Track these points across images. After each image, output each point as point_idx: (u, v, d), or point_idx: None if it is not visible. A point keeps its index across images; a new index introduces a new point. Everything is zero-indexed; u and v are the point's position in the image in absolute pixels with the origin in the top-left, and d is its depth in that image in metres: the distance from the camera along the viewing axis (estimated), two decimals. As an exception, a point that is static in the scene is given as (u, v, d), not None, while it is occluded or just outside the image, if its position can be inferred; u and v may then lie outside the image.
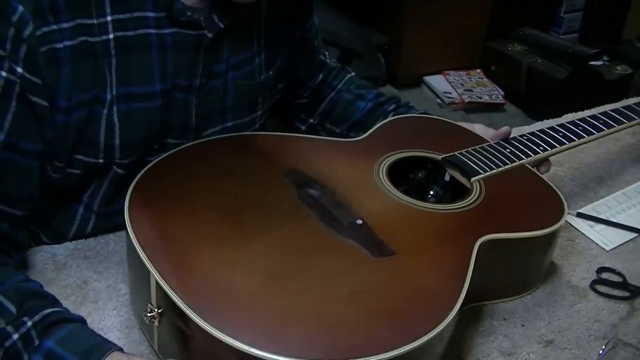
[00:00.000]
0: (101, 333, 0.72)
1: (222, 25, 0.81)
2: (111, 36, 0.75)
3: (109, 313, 0.75)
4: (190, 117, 0.85)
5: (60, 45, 0.72)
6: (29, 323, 0.64)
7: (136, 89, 0.78)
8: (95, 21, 0.74)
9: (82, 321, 0.68)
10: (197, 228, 0.70)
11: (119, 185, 0.84)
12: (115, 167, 0.82)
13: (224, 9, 0.81)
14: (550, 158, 0.93)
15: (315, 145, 0.90)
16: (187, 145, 0.85)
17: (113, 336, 0.72)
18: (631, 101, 1.06)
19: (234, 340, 0.57)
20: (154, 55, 0.78)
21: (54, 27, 0.71)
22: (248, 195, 0.77)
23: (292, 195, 0.77)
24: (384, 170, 0.83)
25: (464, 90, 2.99)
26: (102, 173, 0.83)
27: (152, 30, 0.77)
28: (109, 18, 0.74)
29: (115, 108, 0.78)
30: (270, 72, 0.93)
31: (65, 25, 0.72)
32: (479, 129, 0.97)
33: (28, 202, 0.78)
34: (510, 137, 0.93)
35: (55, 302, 0.69)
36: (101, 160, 0.81)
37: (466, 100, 2.91)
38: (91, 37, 0.74)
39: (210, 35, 0.81)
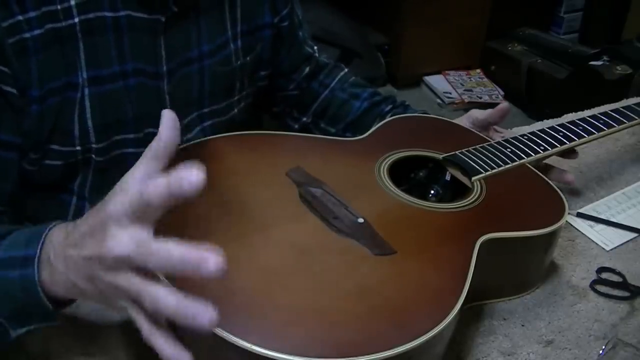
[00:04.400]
0: (101, 333, 0.72)
1: (175, 9, 0.81)
2: (76, 20, 0.75)
3: (109, 313, 0.75)
4: (164, 104, 0.85)
5: (28, 35, 0.72)
6: None
7: (103, 71, 0.79)
8: (59, 7, 0.74)
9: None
10: (198, 226, 0.70)
11: (106, 175, 0.85)
12: (94, 156, 0.82)
13: None
14: (551, 158, 0.94)
15: (316, 144, 0.90)
16: (188, 144, 0.86)
17: (113, 336, 0.72)
18: (631, 101, 1.06)
19: (236, 338, 0.57)
20: (110, 37, 0.79)
21: (20, 17, 0.71)
22: (249, 193, 0.77)
23: (293, 194, 0.77)
24: (385, 169, 0.83)
25: (464, 90, 2.99)
26: (83, 163, 0.83)
27: (108, 13, 0.78)
28: (72, 2, 0.75)
29: (87, 91, 0.78)
30: (248, 59, 0.93)
31: (32, 14, 0.72)
32: (474, 112, 0.98)
33: (10, 198, 0.78)
34: (511, 137, 0.93)
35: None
36: (78, 148, 0.81)
37: (466, 100, 2.92)
38: (57, 24, 0.74)
39: (163, 19, 0.81)
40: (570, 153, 0.95)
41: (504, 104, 0.94)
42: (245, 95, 0.96)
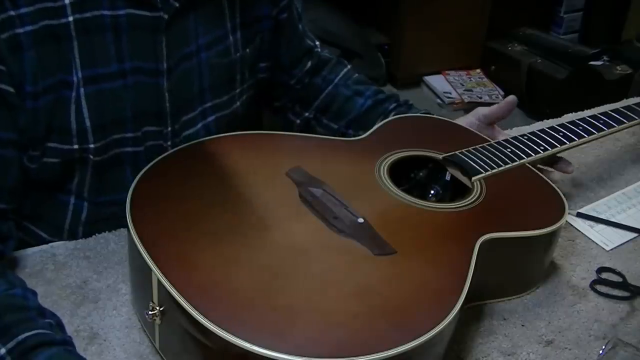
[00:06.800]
0: (101, 333, 0.72)
1: (176, 5, 0.81)
2: (70, 19, 0.75)
3: (109, 313, 0.75)
4: (163, 102, 0.85)
5: (21, 31, 0.72)
6: (3, 350, 0.61)
7: (99, 70, 0.79)
8: (54, 4, 0.74)
9: (65, 343, 0.65)
10: (199, 226, 0.70)
11: (104, 174, 0.85)
12: (92, 156, 0.82)
13: None
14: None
15: (317, 144, 0.90)
16: (189, 143, 0.86)
17: (113, 336, 0.72)
18: (631, 101, 1.06)
19: (236, 338, 0.57)
20: (108, 36, 0.78)
21: (12, 13, 0.71)
22: (250, 193, 0.77)
23: (293, 193, 0.77)
24: (385, 169, 0.83)
25: (464, 90, 2.99)
26: (81, 162, 0.83)
27: (107, 12, 0.78)
28: (66, 1, 0.75)
29: (82, 90, 0.78)
30: (248, 50, 0.93)
31: (24, 10, 0.72)
32: (481, 110, 0.98)
33: (11, 194, 0.78)
34: (511, 137, 0.93)
35: (40, 314, 0.67)
36: (75, 146, 0.80)
37: (466, 100, 2.91)
38: (52, 21, 0.74)
39: (166, 16, 0.81)
40: (561, 163, 0.94)
41: (512, 97, 0.94)
42: (246, 87, 0.96)
